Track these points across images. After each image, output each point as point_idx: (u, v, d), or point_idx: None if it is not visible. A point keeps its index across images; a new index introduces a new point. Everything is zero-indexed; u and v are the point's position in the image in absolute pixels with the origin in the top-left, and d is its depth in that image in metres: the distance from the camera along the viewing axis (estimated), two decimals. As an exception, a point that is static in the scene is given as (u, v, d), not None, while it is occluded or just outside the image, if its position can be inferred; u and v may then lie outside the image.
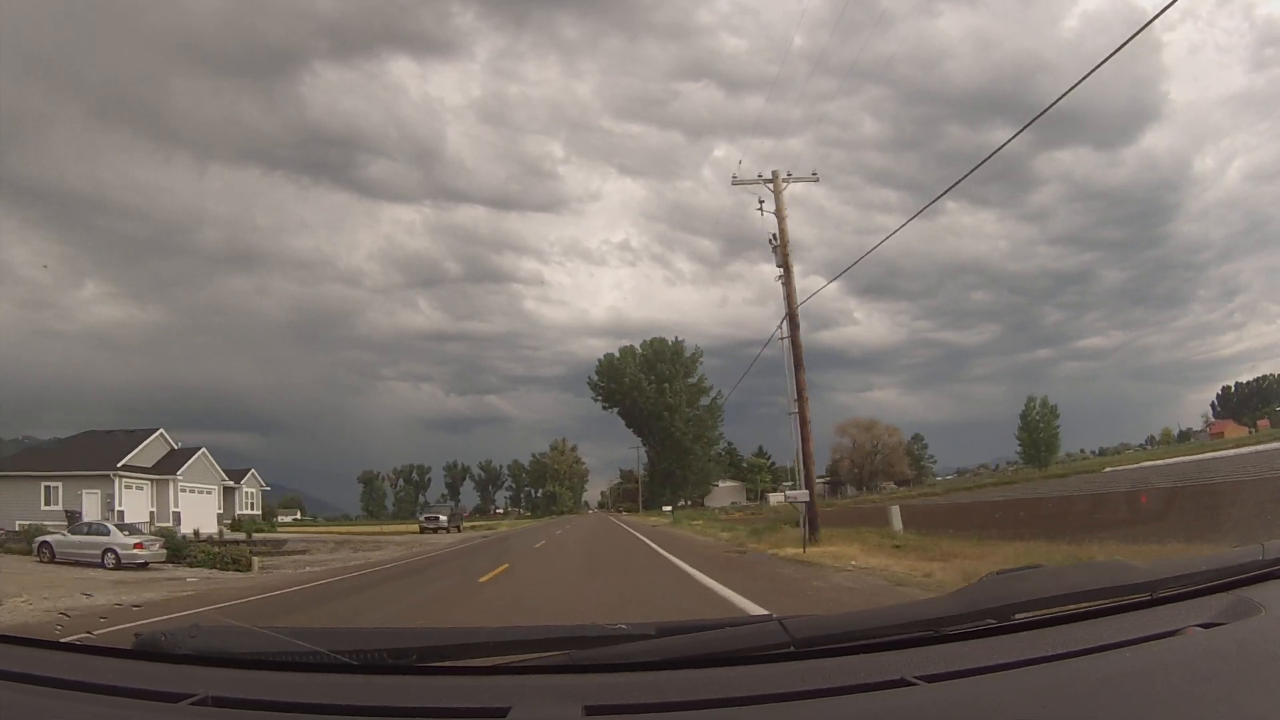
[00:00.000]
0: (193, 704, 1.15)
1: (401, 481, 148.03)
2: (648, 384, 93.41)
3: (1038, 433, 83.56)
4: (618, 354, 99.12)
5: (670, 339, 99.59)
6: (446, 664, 1.37)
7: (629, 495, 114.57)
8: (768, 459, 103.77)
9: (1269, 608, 1.32)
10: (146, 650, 1.39)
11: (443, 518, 48.59)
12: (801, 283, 21.96)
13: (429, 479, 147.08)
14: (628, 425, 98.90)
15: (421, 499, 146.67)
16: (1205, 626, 1.28)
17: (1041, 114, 11.03)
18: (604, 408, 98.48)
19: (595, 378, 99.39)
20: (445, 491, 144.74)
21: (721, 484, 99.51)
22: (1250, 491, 14.33)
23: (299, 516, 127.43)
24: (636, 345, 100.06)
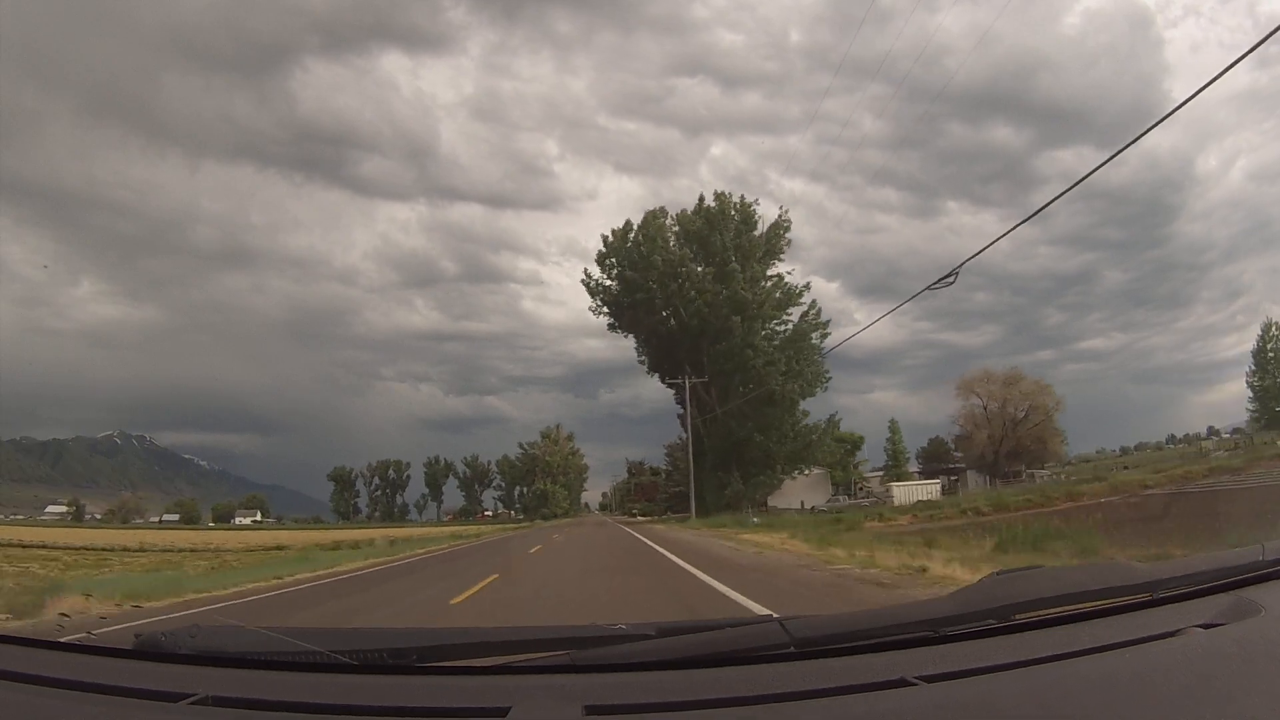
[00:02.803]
0: (192, 704, 1.15)
1: (377, 480, 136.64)
2: (702, 271, 48.86)
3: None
4: (636, 226, 51.07)
5: (735, 196, 51.54)
6: (446, 664, 1.37)
7: (644, 491, 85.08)
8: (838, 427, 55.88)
9: (1269, 608, 1.32)
10: (146, 650, 1.39)
11: None
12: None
13: (408, 477, 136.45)
14: (652, 368, 53.60)
15: (399, 500, 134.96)
16: (1205, 627, 1.28)
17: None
18: (610, 326, 52.91)
19: (593, 275, 52.40)
20: (426, 491, 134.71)
21: (806, 472, 53.20)
22: None
23: (259, 518, 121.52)
24: (671, 213, 52.71)
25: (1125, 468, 48.99)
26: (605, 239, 52.02)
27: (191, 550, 27.79)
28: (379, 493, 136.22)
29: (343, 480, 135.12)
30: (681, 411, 52.98)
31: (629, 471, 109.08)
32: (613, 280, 51.87)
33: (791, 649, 1.31)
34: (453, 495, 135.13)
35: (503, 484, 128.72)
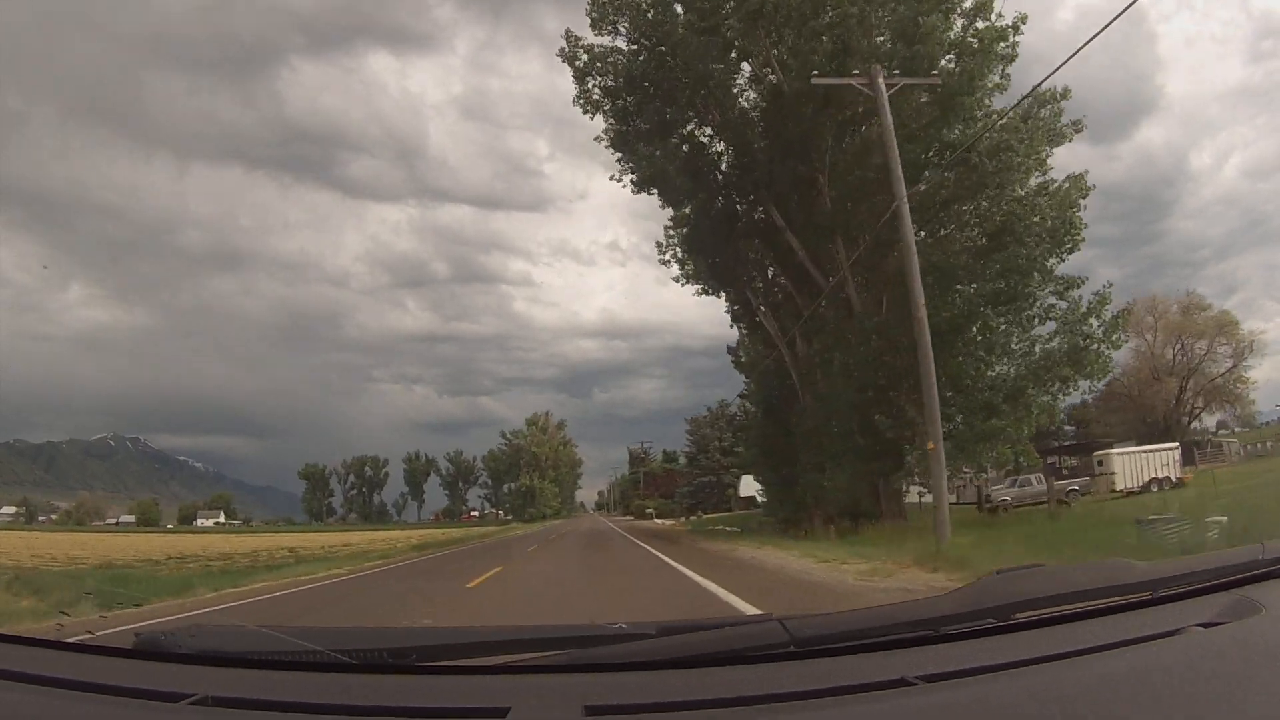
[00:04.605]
0: (192, 704, 1.15)
1: (352, 477, 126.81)
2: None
3: None
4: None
5: None
6: (446, 663, 1.37)
7: (658, 484, 67.72)
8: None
9: (1269, 608, 1.33)
10: (146, 650, 1.39)
11: None
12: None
13: (386, 474, 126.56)
14: (694, 248, 25.49)
15: (377, 499, 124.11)
16: (1205, 626, 1.29)
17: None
18: (619, 167, 23.49)
19: (582, 41, 22.22)
20: (406, 489, 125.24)
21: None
22: None
23: (223, 519, 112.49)
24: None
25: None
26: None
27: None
28: (355, 491, 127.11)
29: (315, 478, 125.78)
30: (737, 340, 29.21)
31: (632, 459, 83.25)
32: (626, 40, 22.67)
33: (791, 648, 1.31)
34: (437, 495, 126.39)
35: (489, 481, 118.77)
